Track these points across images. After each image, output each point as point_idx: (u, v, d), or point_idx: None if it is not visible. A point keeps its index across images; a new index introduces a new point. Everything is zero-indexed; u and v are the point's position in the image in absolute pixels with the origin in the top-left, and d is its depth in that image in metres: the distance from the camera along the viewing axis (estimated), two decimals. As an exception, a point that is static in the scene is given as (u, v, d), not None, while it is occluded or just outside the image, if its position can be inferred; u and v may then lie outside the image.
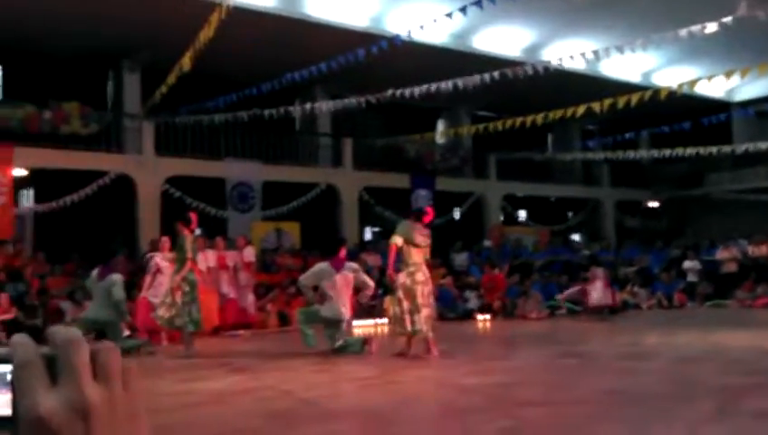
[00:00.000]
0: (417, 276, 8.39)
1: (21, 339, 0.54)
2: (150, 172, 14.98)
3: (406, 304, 8.28)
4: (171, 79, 12.26)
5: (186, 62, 11.45)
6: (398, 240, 8.39)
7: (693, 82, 12.27)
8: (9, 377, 0.53)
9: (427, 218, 8.65)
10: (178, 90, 13.02)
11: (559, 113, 13.01)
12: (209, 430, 5.02)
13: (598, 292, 13.76)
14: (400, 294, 8.32)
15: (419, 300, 8.32)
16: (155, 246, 11.39)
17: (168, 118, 15.24)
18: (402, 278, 8.35)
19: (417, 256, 8.45)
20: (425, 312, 8.34)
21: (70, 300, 11.72)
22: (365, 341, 9.06)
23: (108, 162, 14.65)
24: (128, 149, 15.15)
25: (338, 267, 9.01)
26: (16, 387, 0.53)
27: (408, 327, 8.29)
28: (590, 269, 14.71)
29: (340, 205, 17.62)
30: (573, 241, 21.23)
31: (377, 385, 6.85)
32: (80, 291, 11.82)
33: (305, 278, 9.25)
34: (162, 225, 13.54)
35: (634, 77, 19.55)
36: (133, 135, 15.34)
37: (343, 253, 9.29)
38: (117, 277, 9.12)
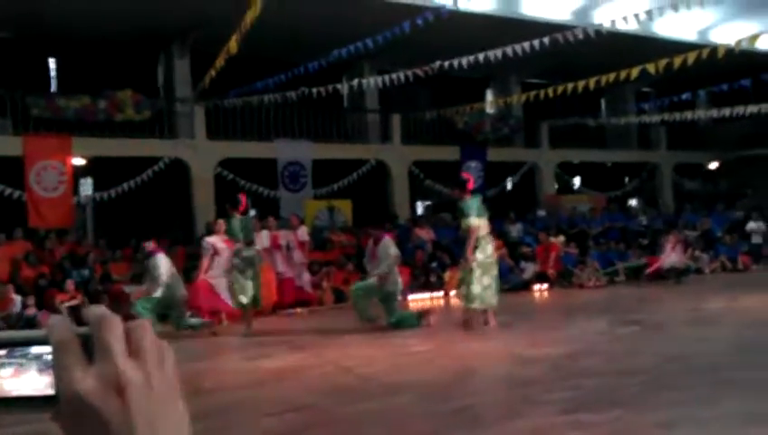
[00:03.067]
0: (488, 249, 8.37)
1: (57, 320, 0.56)
2: (203, 156, 15.21)
3: (486, 280, 8.24)
4: (219, 62, 12.35)
5: (232, 44, 11.51)
6: (474, 222, 8.23)
7: (753, 38, 11.76)
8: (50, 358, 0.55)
9: (470, 184, 8.60)
10: (227, 73, 13.11)
11: (612, 76, 12.62)
12: (276, 406, 5.11)
13: (675, 255, 13.93)
14: (478, 271, 8.19)
15: (493, 272, 8.34)
16: (210, 229, 11.59)
17: (217, 101, 15.41)
18: (478, 255, 8.24)
19: (485, 229, 8.42)
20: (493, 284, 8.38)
21: (133, 283, 12.03)
22: (421, 314, 9.07)
23: (162, 148, 14.91)
24: (180, 134, 15.39)
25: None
26: (54, 366, 0.54)
27: (491, 300, 8.31)
28: (667, 234, 14.92)
29: (390, 180, 17.59)
30: (630, 207, 20.79)
31: (435, 359, 6.86)
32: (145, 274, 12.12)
33: (391, 263, 8.84)
34: (217, 207, 13.75)
35: (690, 35, 18.85)
36: (185, 120, 15.56)
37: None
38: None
